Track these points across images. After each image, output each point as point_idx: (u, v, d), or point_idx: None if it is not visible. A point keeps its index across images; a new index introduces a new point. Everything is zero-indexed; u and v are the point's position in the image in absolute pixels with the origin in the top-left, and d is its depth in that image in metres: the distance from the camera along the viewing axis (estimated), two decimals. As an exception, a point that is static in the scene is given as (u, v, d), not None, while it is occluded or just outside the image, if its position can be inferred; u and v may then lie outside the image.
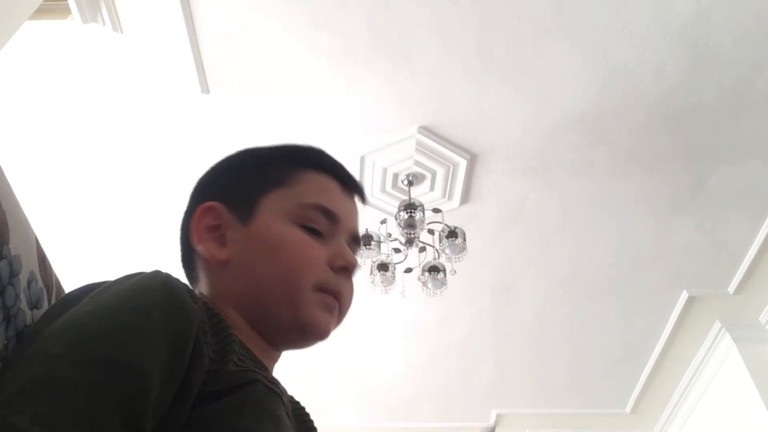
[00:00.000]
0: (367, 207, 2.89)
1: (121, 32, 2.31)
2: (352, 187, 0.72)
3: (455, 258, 2.54)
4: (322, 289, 0.62)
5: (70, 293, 0.54)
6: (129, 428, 0.40)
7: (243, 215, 0.64)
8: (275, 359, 0.65)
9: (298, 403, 0.66)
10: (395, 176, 2.85)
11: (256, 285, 0.61)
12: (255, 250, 0.63)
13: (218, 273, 0.63)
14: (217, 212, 0.65)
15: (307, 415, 0.68)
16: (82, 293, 0.52)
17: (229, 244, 0.63)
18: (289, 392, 0.63)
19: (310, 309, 0.61)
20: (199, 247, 0.64)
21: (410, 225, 2.47)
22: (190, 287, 0.54)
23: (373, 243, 2.51)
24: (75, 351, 0.42)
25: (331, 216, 0.65)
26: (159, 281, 0.50)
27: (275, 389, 0.54)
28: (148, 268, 0.53)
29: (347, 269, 0.65)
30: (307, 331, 0.62)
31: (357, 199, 0.73)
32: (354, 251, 0.69)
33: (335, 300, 0.64)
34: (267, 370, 0.59)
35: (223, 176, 0.70)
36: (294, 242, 0.63)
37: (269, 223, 0.64)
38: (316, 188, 0.67)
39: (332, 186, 0.68)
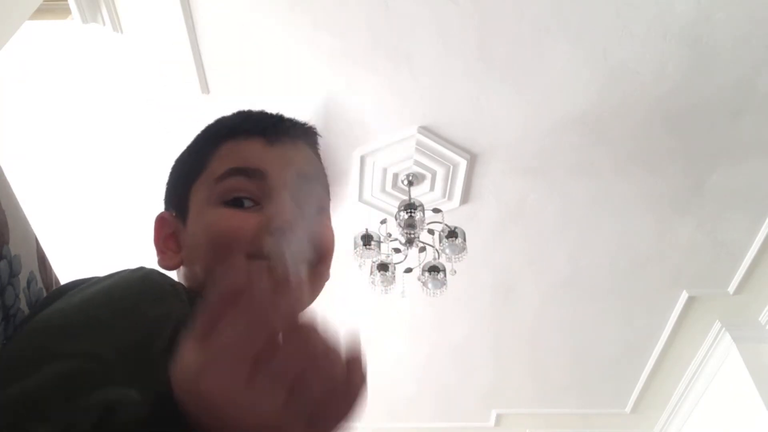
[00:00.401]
0: (367, 207, 2.89)
1: (121, 32, 2.31)
2: (279, 132, 0.62)
3: (455, 258, 2.54)
4: (260, 257, 0.54)
5: (65, 285, 0.55)
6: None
7: (182, 217, 0.63)
8: None
9: None
10: (395, 176, 2.85)
11: (200, 280, 0.59)
12: (193, 246, 0.60)
13: (182, 276, 0.63)
14: (167, 221, 0.65)
15: None
16: (72, 287, 0.52)
17: (182, 248, 0.62)
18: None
19: None
20: (157, 259, 0.64)
21: (410, 225, 2.47)
22: (176, 281, 0.53)
23: (373, 243, 2.51)
24: (39, 346, 0.42)
25: (252, 174, 0.58)
26: (138, 276, 0.49)
27: None
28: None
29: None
30: None
31: (291, 141, 0.63)
32: (315, 192, 0.62)
33: None
34: None
35: (167, 185, 0.68)
36: (213, 223, 0.57)
37: (197, 214, 0.60)
38: (231, 155, 0.60)
39: (251, 144, 0.61)
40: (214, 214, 0.57)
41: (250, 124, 0.63)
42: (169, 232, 0.64)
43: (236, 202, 0.57)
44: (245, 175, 0.58)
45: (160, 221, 0.65)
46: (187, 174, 0.63)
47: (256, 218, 0.56)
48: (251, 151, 0.60)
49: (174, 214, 0.65)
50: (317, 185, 0.63)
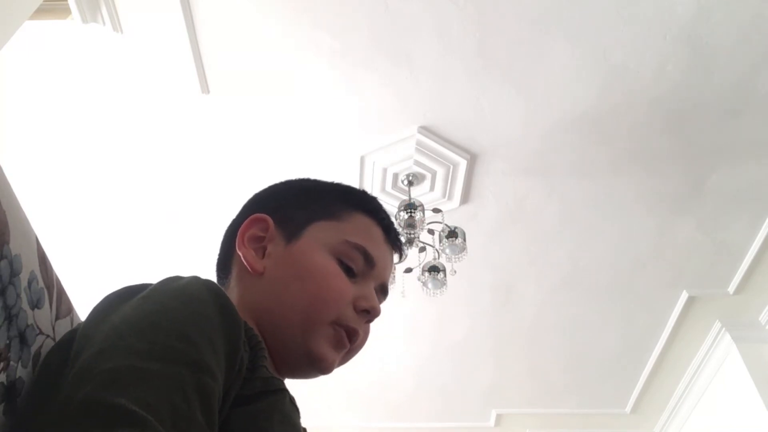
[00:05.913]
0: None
1: (121, 32, 2.31)
2: (394, 239, 0.74)
3: (455, 258, 2.54)
4: (340, 324, 0.64)
5: (115, 292, 0.55)
6: (207, 420, 0.43)
7: (289, 234, 0.67)
8: None
9: None
10: (395, 176, 2.85)
11: (280, 303, 0.64)
12: (290, 270, 0.65)
13: (250, 283, 0.66)
14: (266, 225, 0.68)
15: None
16: (127, 293, 0.53)
17: (268, 258, 0.67)
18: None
19: (319, 341, 0.63)
20: (240, 252, 0.67)
21: (410, 225, 2.47)
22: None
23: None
24: (155, 347, 0.44)
25: (369, 259, 0.68)
26: (209, 288, 0.52)
27: (295, 404, 0.58)
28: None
29: (369, 313, 0.67)
30: (312, 361, 0.63)
31: (395, 255, 0.76)
32: (380, 300, 0.71)
33: (347, 337, 0.65)
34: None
35: (279, 195, 0.73)
36: (327, 273, 0.65)
37: (310, 248, 0.66)
38: (363, 230, 0.69)
39: (377, 233, 0.71)
40: (329, 265, 0.65)
41: (382, 215, 0.73)
42: (258, 234, 0.68)
43: (347, 268, 0.66)
44: (365, 257, 0.67)
45: (260, 220, 0.69)
46: (312, 209, 0.69)
47: (354, 291, 0.66)
48: (378, 240, 0.70)
49: (275, 225, 0.68)
50: (385, 296, 0.74)
